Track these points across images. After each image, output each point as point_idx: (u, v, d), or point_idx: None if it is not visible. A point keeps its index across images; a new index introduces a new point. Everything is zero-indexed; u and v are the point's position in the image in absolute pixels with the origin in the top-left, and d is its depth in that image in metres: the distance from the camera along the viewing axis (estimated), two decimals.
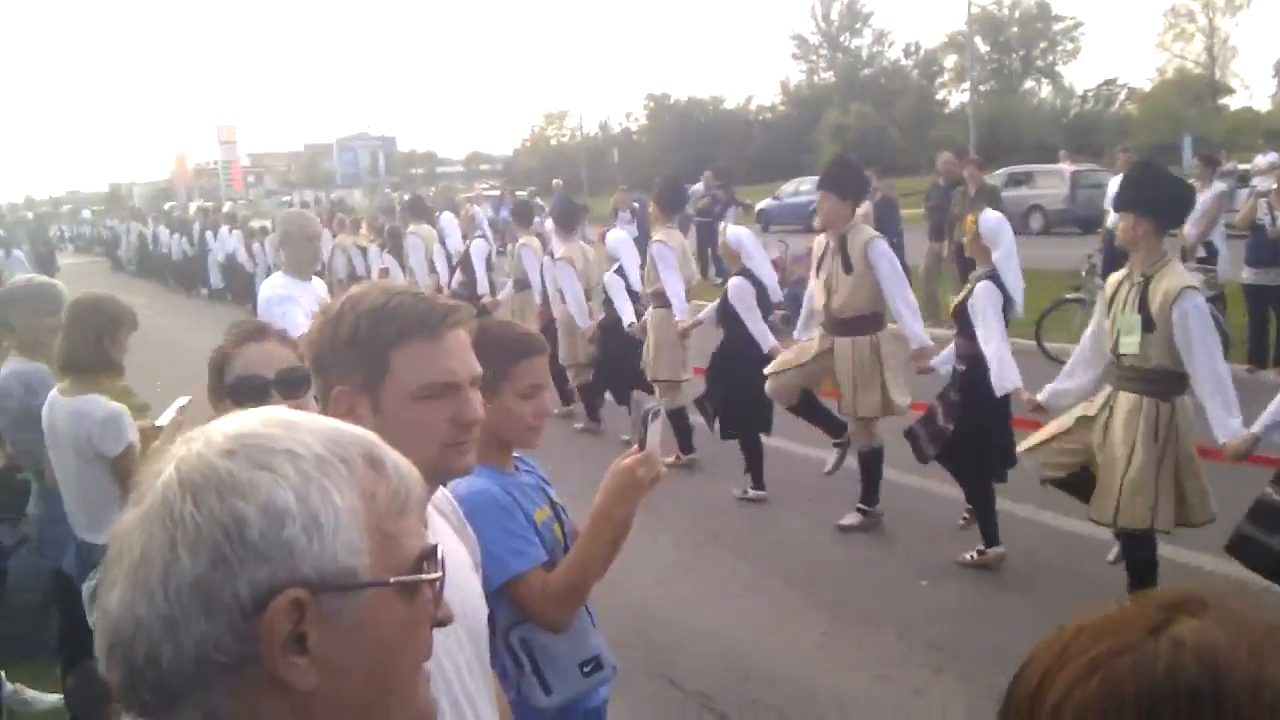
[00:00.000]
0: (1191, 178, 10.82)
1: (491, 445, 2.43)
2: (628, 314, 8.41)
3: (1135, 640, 0.81)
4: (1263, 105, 59.94)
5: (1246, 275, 9.57)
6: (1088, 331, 5.15)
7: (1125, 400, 4.75)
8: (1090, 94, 58.28)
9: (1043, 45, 61.70)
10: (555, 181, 25.43)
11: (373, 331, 1.68)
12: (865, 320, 6.25)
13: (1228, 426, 4.44)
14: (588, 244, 9.81)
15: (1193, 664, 0.78)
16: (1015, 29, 61.71)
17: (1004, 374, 5.34)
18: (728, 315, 7.10)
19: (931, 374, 6.10)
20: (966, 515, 6.06)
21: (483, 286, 10.78)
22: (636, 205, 18.38)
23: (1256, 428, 4.30)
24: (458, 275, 11.29)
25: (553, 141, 68.84)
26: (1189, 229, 10.66)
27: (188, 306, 21.07)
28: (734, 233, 7.33)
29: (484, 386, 2.35)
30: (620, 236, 8.87)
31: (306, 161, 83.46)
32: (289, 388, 2.42)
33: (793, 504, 6.97)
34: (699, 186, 21.02)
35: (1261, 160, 17.30)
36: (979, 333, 5.45)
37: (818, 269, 6.43)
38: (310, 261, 5.59)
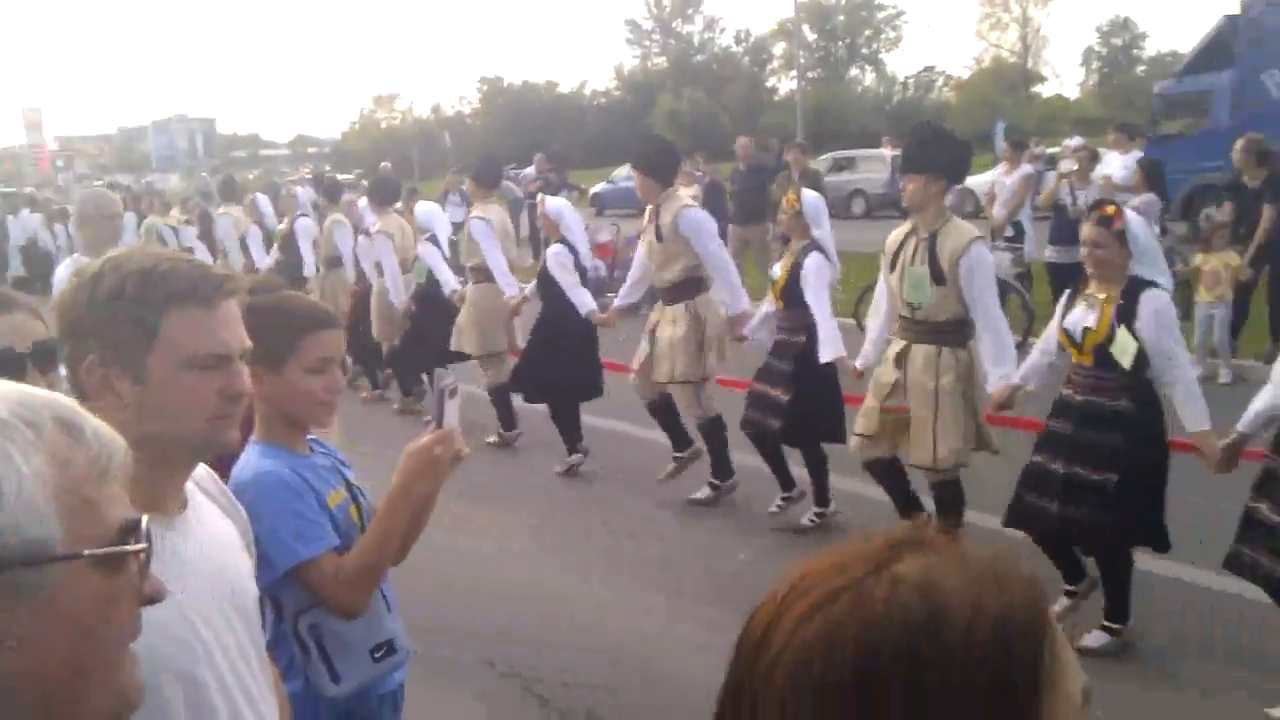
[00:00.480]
0: (1002, 161, 11.31)
1: (280, 424, 2.35)
2: (449, 281, 8.30)
3: (857, 578, 0.80)
4: (1072, 93, 63.44)
5: (1049, 254, 10.02)
6: (877, 290, 5.37)
7: (921, 352, 4.95)
8: (911, 81, 60.43)
9: (867, 33, 63.65)
10: (383, 164, 24.85)
11: (140, 293, 1.56)
12: (682, 286, 6.33)
13: (995, 374, 4.74)
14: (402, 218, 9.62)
15: (913, 599, 0.77)
16: (841, 17, 63.45)
17: (835, 342, 5.53)
18: (546, 285, 7.10)
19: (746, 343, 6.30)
20: (782, 503, 6.13)
21: (309, 267, 10.48)
22: (464, 188, 18.14)
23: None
24: (275, 254, 11.00)
25: (383, 125, 67.38)
26: (997, 209, 11.15)
27: None
28: (553, 204, 7.34)
29: (270, 361, 2.26)
30: (429, 208, 8.78)
31: (120, 145, 79.56)
32: (45, 360, 2.23)
33: (638, 486, 6.92)
34: (530, 170, 20.87)
35: (1069, 143, 18.19)
36: (813, 302, 5.58)
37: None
38: (109, 241, 5.26)
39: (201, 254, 11.64)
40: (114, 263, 1.60)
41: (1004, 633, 0.75)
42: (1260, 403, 3.89)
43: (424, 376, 8.83)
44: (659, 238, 6.29)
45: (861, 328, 10.13)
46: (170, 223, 13.87)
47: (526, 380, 7.35)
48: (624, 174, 32.08)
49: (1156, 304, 4.15)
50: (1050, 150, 21.71)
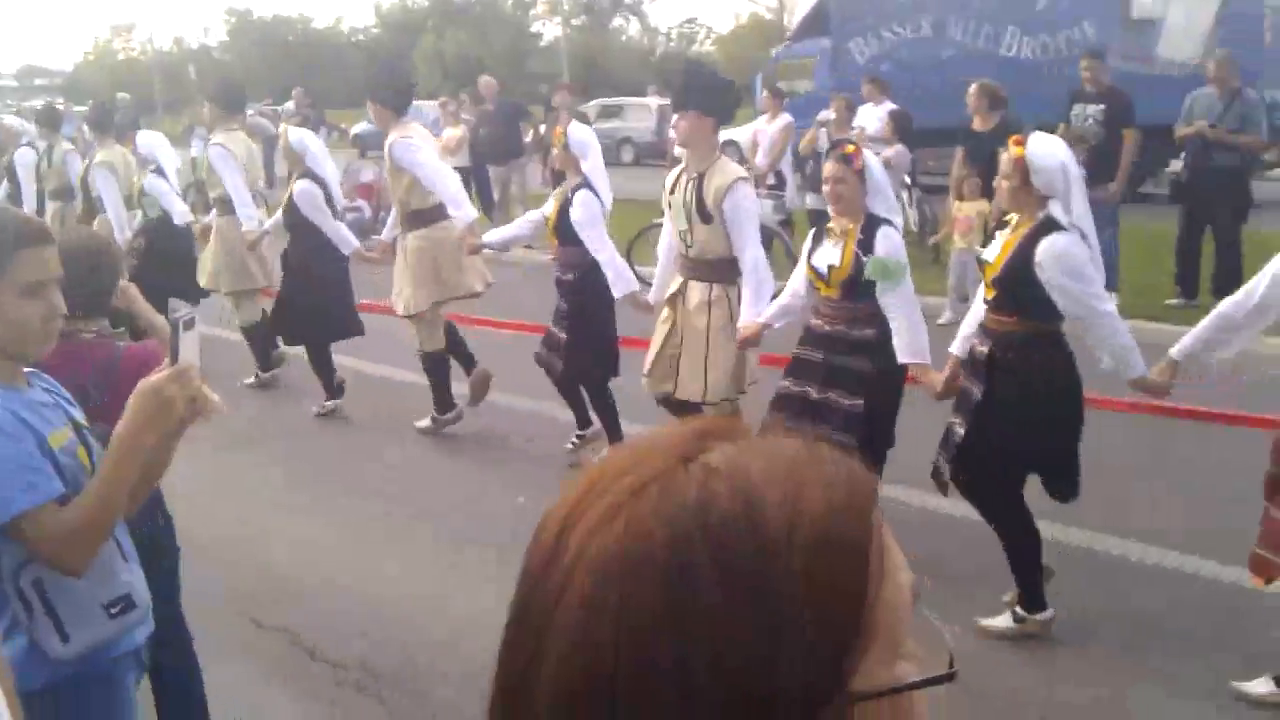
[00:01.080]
0: (763, 113, 11.57)
1: None
2: (181, 212, 7.86)
3: (663, 469, 0.69)
4: None
5: (810, 201, 10.36)
6: (664, 230, 5.42)
7: (695, 289, 5.09)
8: (674, 32, 61.16)
9: None
10: (120, 95, 23.12)
11: None
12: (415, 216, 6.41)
13: (748, 314, 4.86)
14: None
15: (726, 490, 0.67)
16: None
17: (622, 277, 5.58)
18: (295, 221, 6.82)
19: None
20: (577, 440, 6.13)
21: (28, 199, 9.70)
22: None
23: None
24: (4, 187, 10.19)
25: (120, 56, 62.59)
26: (760, 158, 11.41)
27: None
28: (295, 135, 7.03)
29: None
30: (151, 138, 8.24)
31: None
32: None
33: (398, 434, 6.74)
34: (289, 105, 19.99)
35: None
36: (589, 241, 5.58)
37: None
38: None
39: None
40: None
41: (827, 538, 0.67)
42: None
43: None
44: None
45: (635, 273, 10.31)
46: None
47: (282, 321, 7.08)
48: None
49: (891, 240, 4.38)
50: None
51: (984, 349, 4.08)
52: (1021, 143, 3.96)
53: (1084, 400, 4.05)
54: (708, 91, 5.08)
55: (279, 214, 7.17)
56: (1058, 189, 3.90)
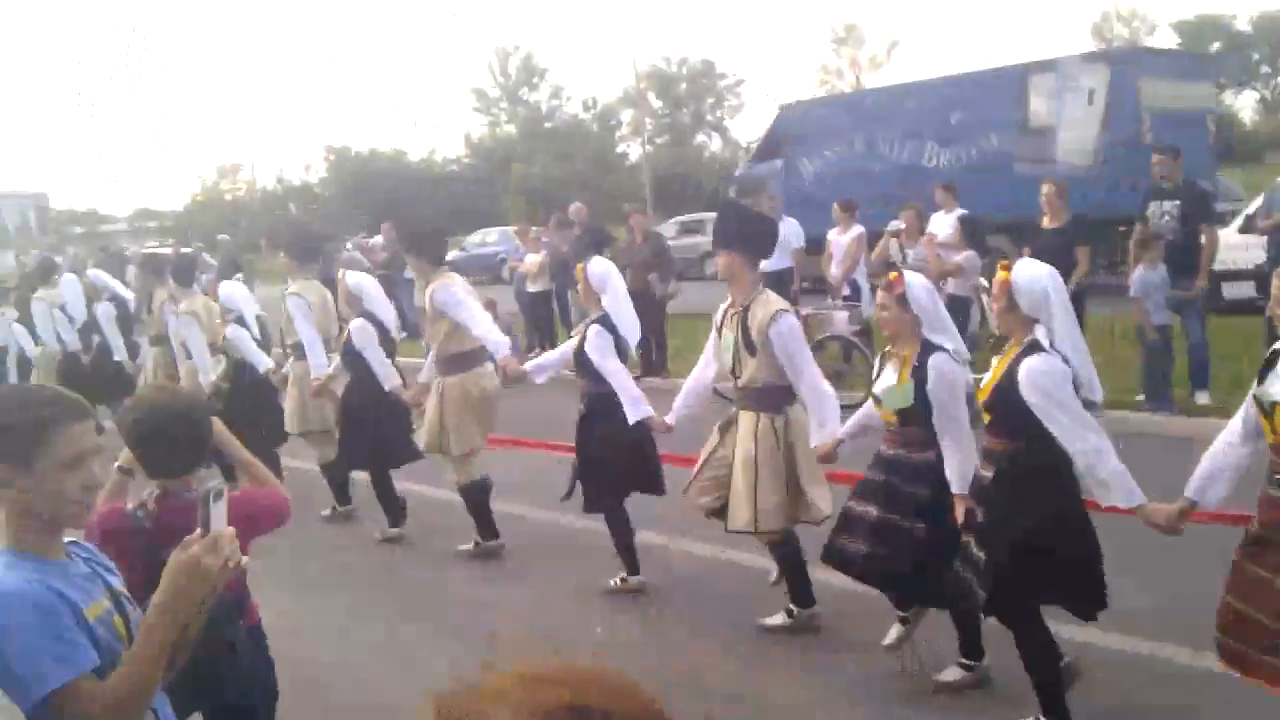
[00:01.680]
0: (836, 225, 11.62)
1: (32, 527, 2.12)
2: (262, 361, 8.16)
3: None
4: None
5: None
6: (704, 356, 5.56)
7: (745, 418, 5.20)
8: (754, 145, 62.02)
9: (710, 100, 65.24)
10: (221, 236, 24.22)
11: None
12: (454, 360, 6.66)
13: (819, 434, 4.96)
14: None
15: None
16: (684, 85, 64.96)
17: (635, 403, 5.65)
18: (352, 358, 7.14)
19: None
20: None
21: (118, 351, 10.13)
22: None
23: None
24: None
25: (228, 196, 65.77)
26: (833, 269, 11.44)
27: None
28: (353, 279, 7.37)
29: (15, 458, 2.06)
30: (232, 288, 8.58)
31: None
32: None
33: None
34: (379, 239, 20.54)
35: None
36: (603, 373, 5.70)
37: None
38: None
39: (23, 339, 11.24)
40: None
41: None
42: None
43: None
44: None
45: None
46: None
47: (346, 450, 7.43)
48: (477, 241, 32.27)
49: (940, 366, 4.36)
50: None
51: (986, 473, 4.12)
52: (1008, 267, 4.04)
53: (1082, 522, 3.99)
54: (745, 230, 5.31)
55: (338, 354, 7.50)
56: (1042, 312, 3.93)
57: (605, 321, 5.81)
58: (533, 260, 14.34)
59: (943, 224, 10.79)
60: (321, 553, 7.17)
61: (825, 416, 4.99)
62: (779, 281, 11.05)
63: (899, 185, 15.89)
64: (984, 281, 10.45)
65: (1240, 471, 3.68)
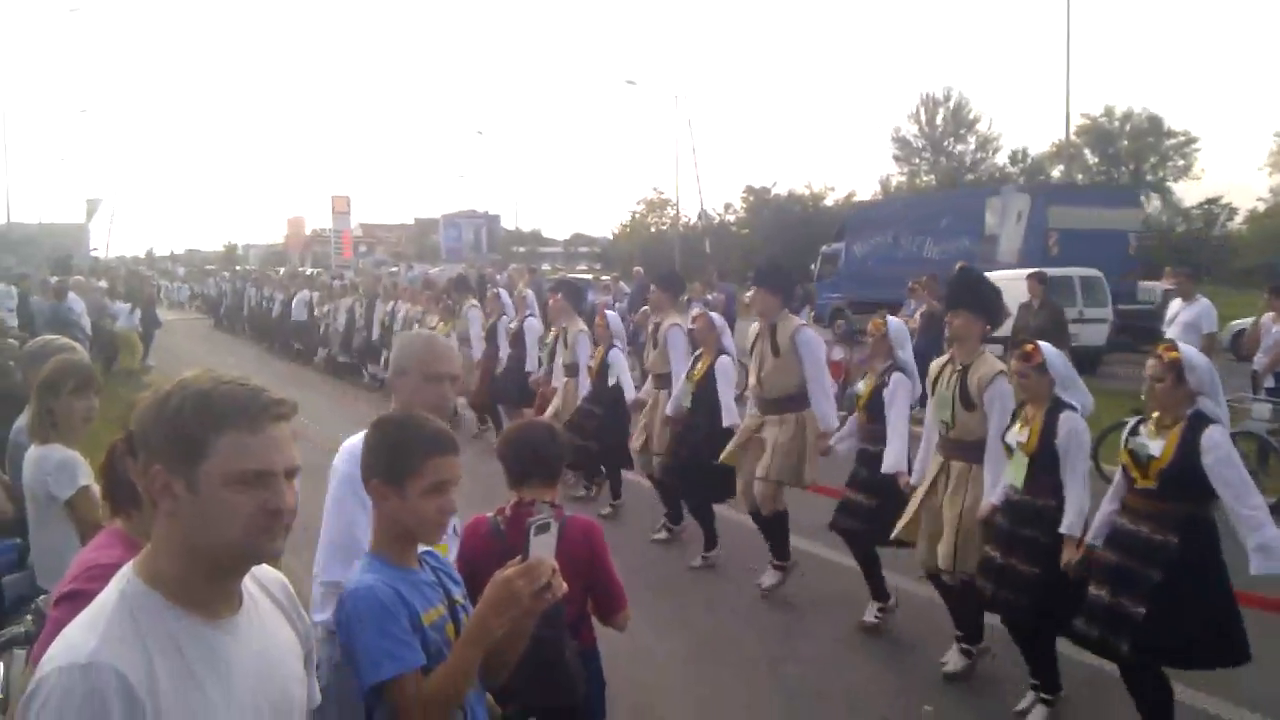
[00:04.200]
0: (1270, 310, 10.48)
1: (394, 539, 2.47)
2: (628, 386, 9.05)
3: None
4: None
5: None
6: (927, 413, 5.99)
7: (956, 467, 5.61)
8: (1196, 211, 56.73)
9: (1153, 160, 60.65)
10: (636, 269, 25.74)
11: (195, 415, 1.72)
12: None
13: (991, 494, 5.30)
14: None
15: None
16: (1125, 141, 60.86)
17: (895, 457, 6.17)
18: (705, 392, 7.67)
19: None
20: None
21: (531, 363, 11.04)
22: (710, 296, 18.56)
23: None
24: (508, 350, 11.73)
25: (652, 229, 69.63)
26: (1259, 358, 10.30)
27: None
28: (716, 318, 8.01)
29: (390, 477, 2.40)
30: (616, 316, 9.60)
31: (416, 235, 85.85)
32: None
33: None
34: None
35: None
36: (890, 418, 6.29)
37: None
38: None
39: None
40: (182, 384, 1.77)
41: None
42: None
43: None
44: (775, 352, 6.99)
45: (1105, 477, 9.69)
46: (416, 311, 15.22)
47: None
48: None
49: (1070, 424, 4.92)
50: None
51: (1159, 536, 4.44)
52: (1175, 349, 4.52)
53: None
54: (978, 295, 5.76)
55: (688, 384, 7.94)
56: (1208, 388, 4.44)
57: (900, 368, 6.41)
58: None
59: None
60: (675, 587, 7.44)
61: (995, 479, 5.34)
62: None
63: (909, 269, 20.38)
64: None
65: None
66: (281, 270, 37.40)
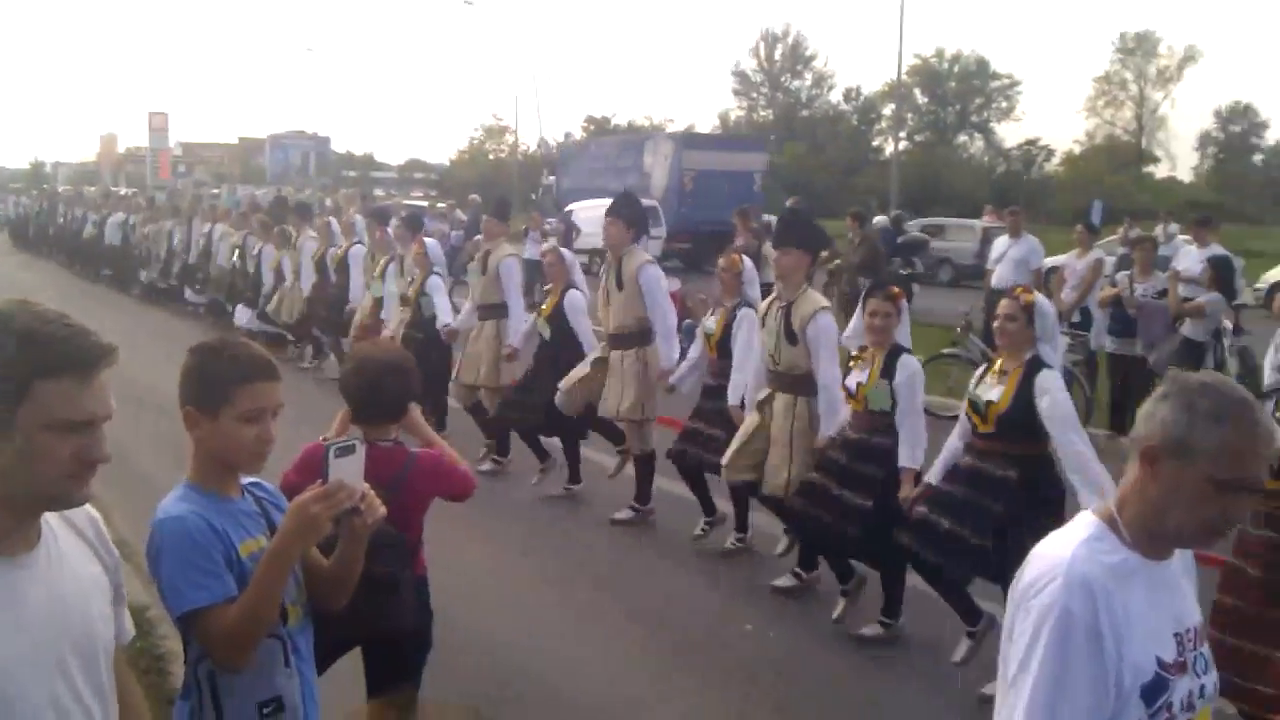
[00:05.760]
0: (1075, 248, 11.01)
1: (212, 468, 2.40)
2: (448, 315, 8.81)
3: None
4: (1186, 176, 61.81)
5: (1109, 345, 9.69)
6: (755, 342, 6.11)
7: (781, 399, 5.83)
8: (1016, 152, 59.43)
9: (978, 101, 62.93)
10: (472, 197, 25.38)
11: (20, 357, 1.65)
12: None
13: (824, 431, 5.57)
14: None
15: None
16: (953, 83, 62.91)
17: (736, 389, 6.29)
18: (559, 330, 7.57)
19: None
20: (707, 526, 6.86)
21: (356, 292, 10.80)
22: (547, 226, 18.48)
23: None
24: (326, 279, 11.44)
25: (491, 156, 68.52)
26: (1066, 293, 10.81)
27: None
28: (567, 252, 7.93)
29: (205, 406, 2.33)
30: (434, 243, 9.42)
31: (240, 155, 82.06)
32: None
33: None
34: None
35: (1160, 230, 17.73)
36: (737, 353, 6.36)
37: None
38: None
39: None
40: (3, 320, 1.67)
41: None
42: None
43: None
44: (619, 285, 7.03)
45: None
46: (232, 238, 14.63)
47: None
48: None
49: (908, 367, 5.18)
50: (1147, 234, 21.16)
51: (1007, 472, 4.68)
52: (1031, 291, 4.81)
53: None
54: (804, 234, 5.98)
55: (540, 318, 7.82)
56: (1048, 334, 4.71)
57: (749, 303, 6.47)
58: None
59: (1192, 260, 10.03)
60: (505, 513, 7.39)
61: (830, 414, 5.60)
62: None
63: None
64: (1227, 325, 9.68)
65: None
66: (93, 189, 35.29)
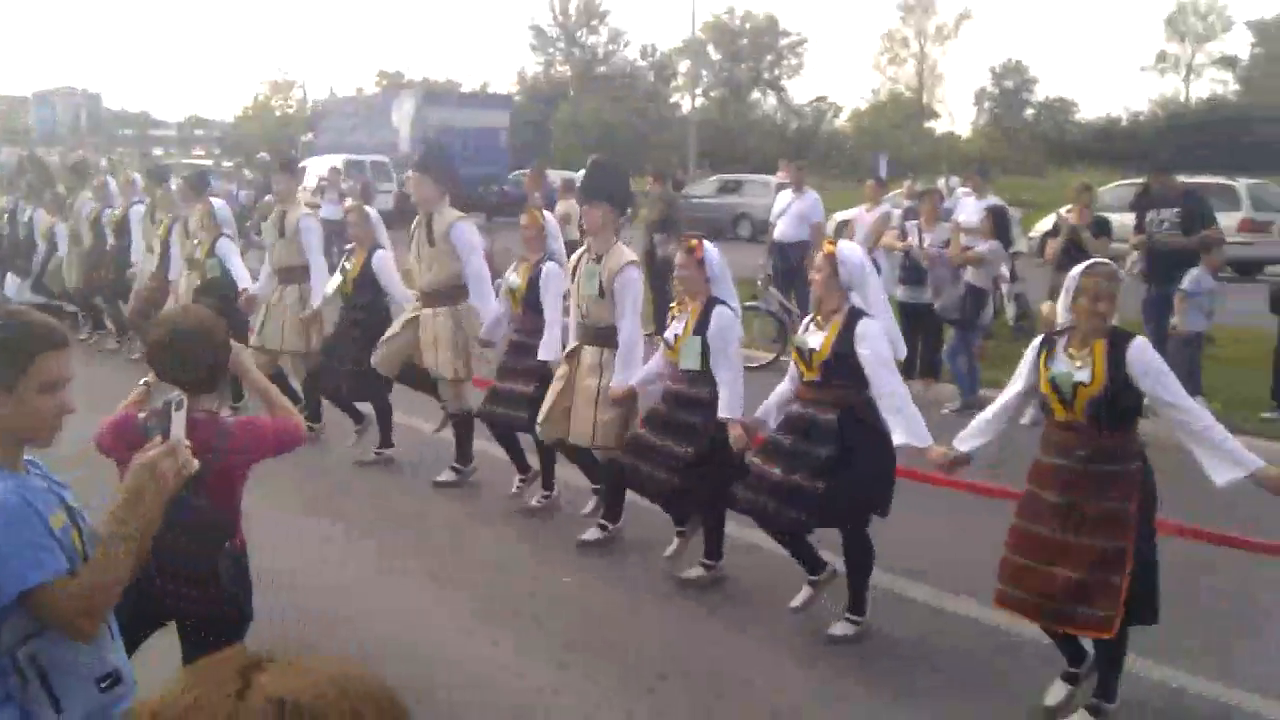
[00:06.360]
0: (865, 202, 11.47)
1: (4, 443, 2.28)
2: (243, 278, 8.58)
3: (225, 709, 0.84)
4: (965, 131, 65.21)
5: (899, 293, 10.14)
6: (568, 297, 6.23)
7: (589, 351, 5.96)
8: (807, 109, 61.34)
9: (770, 58, 64.46)
10: (261, 155, 24.39)
11: (26, 337, 2.19)
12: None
13: (618, 377, 5.75)
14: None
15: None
16: (745, 41, 64.18)
17: (550, 346, 6.33)
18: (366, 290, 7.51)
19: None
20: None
21: (136, 252, 10.32)
22: (345, 186, 17.94)
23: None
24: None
25: (278, 112, 65.81)
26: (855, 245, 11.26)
27: None
28: (372, 211, 7.80)
29: (2, 382, 2.23)
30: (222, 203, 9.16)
31: (3, 113, 76.17)
32: None
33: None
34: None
35: (942, 183, 18.67)
36: (548, 306, 6.38)
37: None
38: None
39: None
40: (7, 314, 2.19)
41: None
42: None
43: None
44: (430, 242, 6.93)
45: None
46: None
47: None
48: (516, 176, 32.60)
49: (722, 318, 5.27)
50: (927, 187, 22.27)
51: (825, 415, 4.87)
52: (833, 243, 4.99)
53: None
54: (612, 188, 6.08)
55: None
56: (859, 283, 4.84)
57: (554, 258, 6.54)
58: (561, 207, 14.31)
59: (971, 210, 10.60)
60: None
61: (628, 364, 5.77)
62: (801, 253, 10.96)
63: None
64: (1005, 272, 10.29)
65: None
66: None
